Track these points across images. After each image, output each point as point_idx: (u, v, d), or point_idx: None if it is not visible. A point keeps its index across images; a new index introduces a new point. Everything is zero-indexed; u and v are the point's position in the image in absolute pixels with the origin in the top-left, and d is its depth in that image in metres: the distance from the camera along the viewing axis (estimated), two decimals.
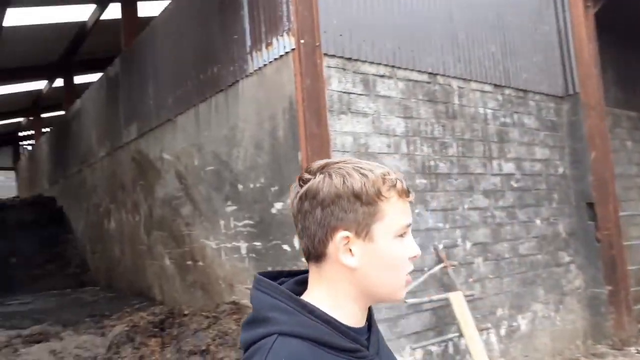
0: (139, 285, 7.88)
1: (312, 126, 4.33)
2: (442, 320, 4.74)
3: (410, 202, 1.02)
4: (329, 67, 4.56)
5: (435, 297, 4.54)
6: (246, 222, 5.05)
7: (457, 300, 4.41)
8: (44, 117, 18.89)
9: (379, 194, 0.97)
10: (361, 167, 0.99)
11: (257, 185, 4.88)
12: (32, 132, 20.45)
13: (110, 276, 9.35)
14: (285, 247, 4.46)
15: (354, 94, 4.71)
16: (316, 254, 0.98)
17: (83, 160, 10.87)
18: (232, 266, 5.32)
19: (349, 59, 4.70)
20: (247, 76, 5.11)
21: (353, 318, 1.00)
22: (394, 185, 0.99)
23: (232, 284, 5.31)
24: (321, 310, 0.96)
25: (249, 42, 5.08)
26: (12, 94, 16.07)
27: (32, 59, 13.28)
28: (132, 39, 8.55)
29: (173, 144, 6.67)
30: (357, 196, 0.96)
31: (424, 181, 5.09)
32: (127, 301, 7.06)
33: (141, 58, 7.71)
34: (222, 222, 5.49)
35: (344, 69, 4.68)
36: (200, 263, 5.96)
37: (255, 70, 4.98)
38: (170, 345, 4.45)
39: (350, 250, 0.97)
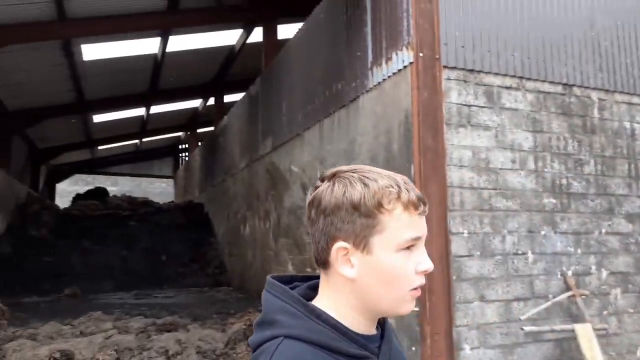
0: None
1: (427, 139, 4.27)
2: (567, 353, 4.28)
3: (421, 214, 0.96)
4: (448, 79, 4.47)
5: (558, 327, 4.13)
6: None
7: (585, 334, 3.96)
8: (199, 132, 21.15)
9: (379, 205, 0.94)
10: (366, 177, 0.96)
11: None
12: (188, 145, 22.98)
13: (243, 278, 10.09)
14: None
15: (476, 106, 4.54)
16: (322, 262, 0.98)
17: (227, 171, 11.93)
18: None
19: (471, 70, 4.56)
20: (367, 91, 5.22)
21: (360, 326, 0.98)
22: (398, 197, 0.94)
23: None
24: (329, 316, 0.95)
25: (370, 58, 5.19)
26: (174, 111, 18.31)
27: (190, 80, 15.02)
28: (271, 60, 9.24)
29: (300, 157, 7.04)
30: (355, 207, 0.94)
31: (553, 201, 4.68)
32: (254, 302, 7.53)
33: (277, 77, 8.29)
34: None
35: (465, 81, 4.54)
36: (317, 271, 6.15)
37: (374, 85, 5.07)
38: None
39: (351, 260, 0.95)
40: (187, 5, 10.02)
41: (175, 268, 10.64)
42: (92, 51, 10.84)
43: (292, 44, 7.70)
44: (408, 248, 0.95)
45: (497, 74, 4.65)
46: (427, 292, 3.94)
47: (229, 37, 12.50)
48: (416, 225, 0.96)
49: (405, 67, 4.53)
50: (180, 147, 26.00)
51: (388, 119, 4.77)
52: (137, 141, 22.20)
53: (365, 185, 0.94)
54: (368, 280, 0.95)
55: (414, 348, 4.06)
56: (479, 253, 4.29)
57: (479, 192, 4.40)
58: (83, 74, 11.79)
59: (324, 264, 0.97)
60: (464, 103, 4.49)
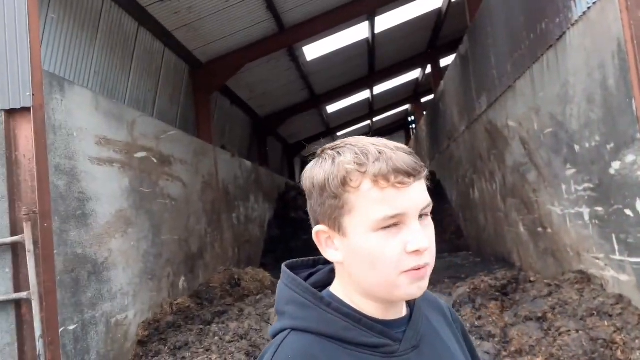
0: (500, 251, 8.13)
1: None
2: None
3: (399, 187, 0.82)
4: None
5: None
6: (586, 185, 4.59)
7: None
8: (423, 102, 21.31)
9: (342, 184, 0.84)
10: (339, 152, 0.87)
11: (593, 144, 4.37)
12: (415, 116, 23.34)
13: (479, 242, 9.95)
14: (628, 212, 3.86)
15: None
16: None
17: (449, 136, 11.84)
18: (577, 233, 4.93)
19: None
20: (572, 25, 4.62)
21: (377, 311, 0.90)
22: (364, 172, 0.83)
23: (578, 252, 4.92)
24: (341, 303, 0.90)
25: None
26: (396, 86, 18.87)
27: (405, 54, 15.28)
28: (475, 13, 8.78)
29: (515, 110, 6.60)
30: (322, 189, 0.86)
31: None
32: (490, 266, 7.43)
33: (482, 30, 7.87)
34: (563, 187, 5.14)
35: None
36: (549, 230, 5.73)
37: (580, 17, 4.45)
38: (509, 309, 4.58)
39: (335, 244, 0.89)
40: None
41: None
42: (312, 51, 12.04)
43: None
44: (392, 226, 0.83)
45: None
46: None
47: (433, 1, 12.27)
48: (392, 201, 0.82)
49: None
50: (408, 119, 26.60)
51: (599, 52, 4.15)
52: (368, 122, 23.62)
53: (333, 162, 0.86)
54: (353, 263, 0.87)
55: None
56: None
57: None
58: (309, 72, 13.20)
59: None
60: None
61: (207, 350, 4.81)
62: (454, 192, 12.23)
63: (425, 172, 0.88)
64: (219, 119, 11.83)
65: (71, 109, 4.57)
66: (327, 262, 0.99)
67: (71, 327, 4.18)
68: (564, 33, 4.81)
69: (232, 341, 4.97)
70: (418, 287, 0.86)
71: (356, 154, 0.85)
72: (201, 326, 5.49)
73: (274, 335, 0.91)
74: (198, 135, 9.59)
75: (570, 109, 4.79)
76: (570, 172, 4.91)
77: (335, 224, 0.87)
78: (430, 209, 0.89)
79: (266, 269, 8.70)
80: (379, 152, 0.84)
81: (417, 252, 0.83)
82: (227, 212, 9.79)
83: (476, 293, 4.83)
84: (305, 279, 0.97)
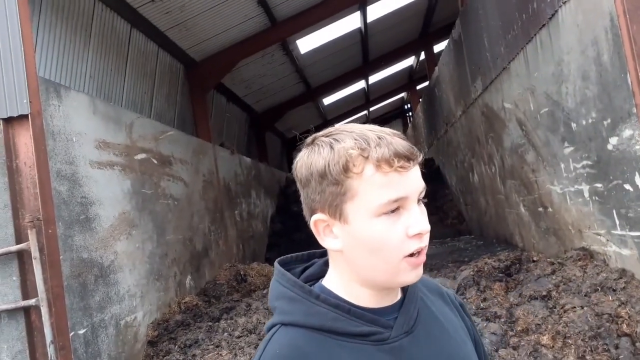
0: (502, 233, 8.17)
1: None
2: None
3: (401, 171, 0.83)
4: None
5: None
6: (584, 162, 4.61)
7: None
8: (418, 89, 21.28)
9: (344, 170, 0.84)
10: (336, 139, 0.87)
11: (589, 121, 4.38)
12: (411, 104, 23.32)
13: (481, 225, 9.99)
14: (627, 186, 3.88)
15: None
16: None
17: (446, 122, 11.84)
18: (577, 211, 4.95)
19: None
20: (564, 3, 4.61)
21: (370, 299, 0.90)
22: (367, 157, 0.83)
23: (580, 230, 4.95)
24: (330, 294, 0.90)
25: None
26: (393, 74, 18.84)
27: (398, 41, 15.24)
28: None
29: (510, 92, 6.60)
30: (322, 176, 0.86)
31: None
32: (492, 248, 7.47)
33: (474, 13, 7.85)
34: (562, 165, 5.16)
35: None
36: (550, 209, 5.75)
37: None
38: (514, 289, 4.62)
39: (334, 232, 0.88)
40: None
41: None
42: (306, 43, 12.02)
43: None
44: (393, 211, 0.84)
45: None
46: None
47: None
48: (395, 185, 0.83)
49: None
50: (405, 107, 26.58)
51: (592, 28, 4.15)
52: (365, 112, 23.60)
53: (332, 149, 0.86)
54: (354, 250, 0.87)
55: None
56: None
57: None
58: (304, 65, 13.18)
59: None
60: None
61: (217, 347, 4.85)
62: (453, 177, 12.25)
63: (420, 157, 0.89)
64: (216, 116, 11.84)
65: (69, 114, 4.59)
66: (322, 256, 1.00)
67: (81, 332, 4.22)
68: (556, 11, 4.80)
69: (242, 336, 5.01)
70: (416, 275, 0.87)
71: (356, 139, 0.85)
72: (210, 323, 5.53)
73: (268, 331, 0.92)
74: (196, 134, 9.61)
75: (565, 87, 4.80)
76: (568, 150, 4.93)
77: (336, 212, 0.86)
78: (424, 193, 0.90)
79: (271, 263, 8.73)
80: (379, 138, 0.85)
81: (418, 235, 0.84)
82: (230, 209, 9.82)
83: (480, 275, 4.87)
84: (300, 274, 0.99)
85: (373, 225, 0.84)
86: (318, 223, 0.89)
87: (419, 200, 0.88)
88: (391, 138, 0.86)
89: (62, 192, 4.29)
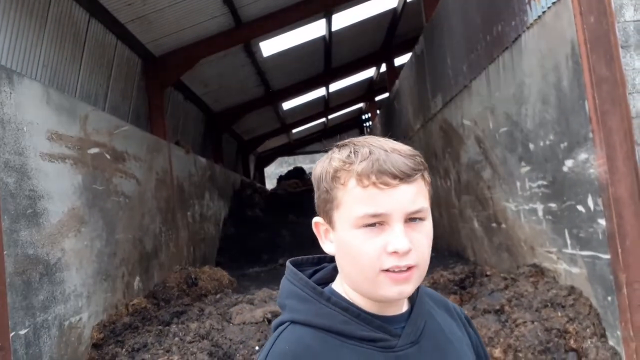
0: (455, 247, 8.38)
1: (600, 69, 3.78)
2: None
3: (382, 188, 0.84)
4: None
5: None
6: (540, 182, 4.80)
7: None
8: (377, 100, 21.60)
9: (333, 180, 0.89)
10: (338, 150, 0.93)
11: (547, 142, 4.57)
12: (370, 114, 23.65)
13: (434, 238, 10.19)
14: (580, 207, 4.07)
15: None
16: None
17: (404, 135, 12.06)
18: (531, 228, 5.14)
19: None
20: (528, 28, 4.80)
21: (374, 307, 0.92)
22: (350, 170, 0.87)
23: (532, 247, 5.14)
24: (340, 297, 0.92)
25: None
26: (353, 84, 19.03)
27: (361, 52, 15.42)
28: (431, 14, 8.97)
29: (470, 110, 6.79)
30: (318, 183, 0.93)
31: None
32: (444, 261, 7.63)
33: (439, 31, 8.05)
34: (518, 184, 5.35)
35: None
36: (504, 225, 5.95)
37: (535, 20, 4.63)
38: (468, 302, 4.72)
39: (330, 237, 0.95)
40: None
41: None
42: (269, 47, 11.93)
43: None
44: (374, 225, 0.86)
45: None
46: (619, 238, 3.56)
47: (389, 1, 12.44)
48: (374, 201, 0.85)
49: None
50: (363, 117, 26.91)
51: (554, 55, 4.34)
52: (324, 119, 23.70)
53: (332, 159, 0.92)
54: (341, 257, 0.92)
55: (609, 298, 3.73)
56: None
57: None
58: (266, 68, 13.07)
59: None
60: None
61: (168, 352, 4.67)
62: None
63: (417, 176, 0.88)
64: (172, 114, 11.53)
65: (21, 102, 4.32)
66: (332, 260, 1.01)
67: (22, 332, 3.96)
68: (519, 36, 4.99)
69: (194, 341, 4.85)
70: (398, 292, 0.87)
71: (349, 152, 0.89)
72: (160, 327, 5.33)
73: (276, 328, 0.94)
74: (151, 131, 9.31)
75: (525, 109, 4.98)
76: (525, 169, 5.12)
77: (327, 218, 0.93)
78: (423, 214, 0.91)
79: (222, 267, 8.56)
80: (370, 152, 0.87)
81: (394, 253, 0.85)
82: (182, 210, 9.56)
83: (435, 287, 4.95)
84: (310, 276, 1.01)
85: (353, 235, 0.87)
86: (319, 226, 0.96)
87: (415, 219, 0.88)
88: (385, 154, 0.86)
89: (9, 184, 4.02)
